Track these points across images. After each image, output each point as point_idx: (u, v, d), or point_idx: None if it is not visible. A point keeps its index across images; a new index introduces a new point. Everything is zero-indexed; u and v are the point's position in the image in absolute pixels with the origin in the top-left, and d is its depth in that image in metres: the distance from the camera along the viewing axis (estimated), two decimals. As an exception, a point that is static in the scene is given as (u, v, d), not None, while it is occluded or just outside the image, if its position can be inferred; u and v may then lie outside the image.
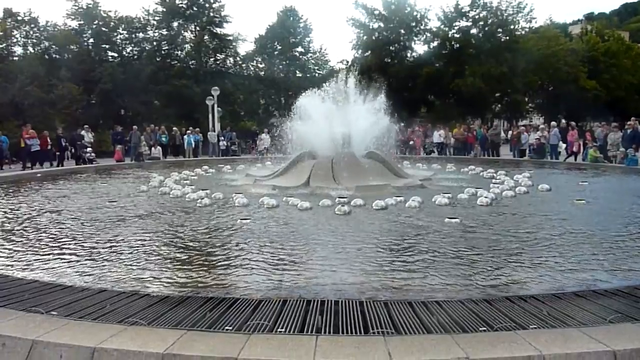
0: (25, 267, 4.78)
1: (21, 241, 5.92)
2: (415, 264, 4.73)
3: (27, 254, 5.28)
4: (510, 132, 25.29)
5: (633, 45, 49.59)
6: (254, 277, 4.37)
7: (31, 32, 32.58)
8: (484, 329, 2.95)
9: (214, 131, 26.41)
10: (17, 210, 8.21)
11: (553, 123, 21.82)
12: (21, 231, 6.50)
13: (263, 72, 40.57)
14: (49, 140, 20.26)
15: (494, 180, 11.42)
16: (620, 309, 3.27)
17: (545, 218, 7.12)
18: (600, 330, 2.83)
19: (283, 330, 2.97)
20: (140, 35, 36.31)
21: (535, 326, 2.96)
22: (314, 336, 2.82)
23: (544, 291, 3.85)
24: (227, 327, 3.00)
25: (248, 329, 2.98)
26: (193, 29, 38.07)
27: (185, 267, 4.75)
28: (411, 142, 23.31)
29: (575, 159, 19.21)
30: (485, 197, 8.42)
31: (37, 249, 5.49)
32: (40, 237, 6.09)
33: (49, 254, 5.24)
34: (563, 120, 24.98)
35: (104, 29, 34.27)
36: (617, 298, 3.55)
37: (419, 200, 8.12)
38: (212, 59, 38.46)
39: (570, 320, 3.08)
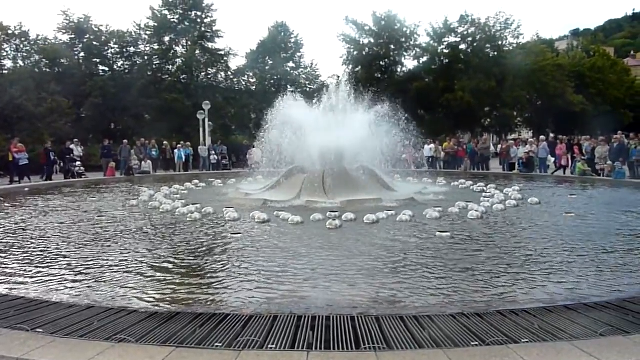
0: (10, 283, 4.69)
1: (6, 257, 5.81)
2: (407, 278, 4.72)
3: (12, 270, 5.18)
4: (499, 146, 25.58)
5: (618, 60, 50.85)
6: (244, 293, 4.32)
7: (22, 46, 32.48)
8: (476, 343, 2.93)
9: (205, 145, 26.36)
10: (3, 225, 8.08)
11: (542, 137, 22.14)
12: (6, 246, 6.39)
13: (254, 87, 40.70)
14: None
15: (484, 194, 11.51)
16: (611, 322, 3.28)
17: (535, 231, 7.17)
18: (591, 344, 2.83)
19: (274, 346, 2.93)
20: (132, 49, 36.29)
21: (527, 340, 2.96)
22: (305, 352, 2.79)
23: (535, 305, 3.85)
24: (217, 344, 2.96)
25: (238, 345, 2.93)
26: (185, 44, 38.17)
27: (174, 282, 4.69)
28: (403, 156, 23.47)
29: (564, 172, 19.43)
30: (476, 211, 8.47)
31: (23, 265, 5.39)
32: (26, 253, 5.99)
33: (35, 270, 5.14)
34: (551, 134, 25.32)
35: (95, 43, 34.23)
36: (607, 311, 3.56)
37: (410, 214, 8.15)
38: (203, 74, 38.50)
39: (561, 333, 3.08)
